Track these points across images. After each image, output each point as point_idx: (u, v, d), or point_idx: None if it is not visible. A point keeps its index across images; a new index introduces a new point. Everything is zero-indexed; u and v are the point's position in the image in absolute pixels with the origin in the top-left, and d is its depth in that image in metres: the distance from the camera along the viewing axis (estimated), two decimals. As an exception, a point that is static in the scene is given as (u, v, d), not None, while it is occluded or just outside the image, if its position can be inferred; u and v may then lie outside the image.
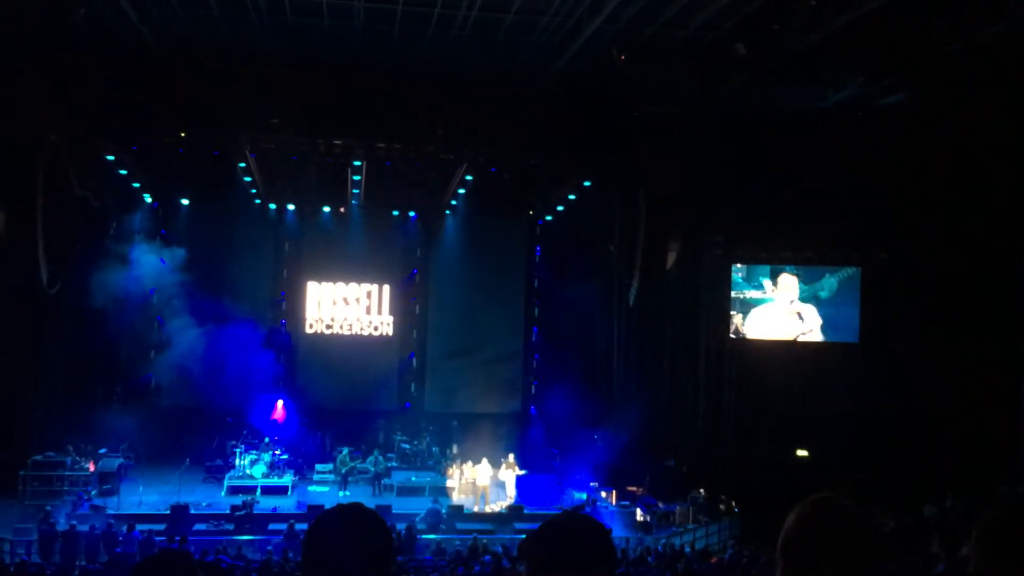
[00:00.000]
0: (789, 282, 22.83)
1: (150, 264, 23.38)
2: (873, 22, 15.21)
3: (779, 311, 22.83)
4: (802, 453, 22.25)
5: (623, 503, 21.18)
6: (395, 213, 26.35)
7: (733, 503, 20.64)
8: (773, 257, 23.05)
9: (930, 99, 17.72)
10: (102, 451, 21.02)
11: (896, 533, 16.41)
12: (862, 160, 19.80)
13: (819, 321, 22.66)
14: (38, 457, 19.42)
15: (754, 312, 22.87)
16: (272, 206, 25.42)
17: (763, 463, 20.14)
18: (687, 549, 17.37)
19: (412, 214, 26.50)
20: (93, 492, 19.63)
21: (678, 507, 20.92)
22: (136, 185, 23.39)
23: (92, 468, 20.21)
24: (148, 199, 24.52)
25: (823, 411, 21.06)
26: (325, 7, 17.09)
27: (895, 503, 17.89)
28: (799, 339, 22.72)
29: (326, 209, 25.76)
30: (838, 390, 21.13)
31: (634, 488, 21.85)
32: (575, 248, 24.91)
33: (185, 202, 25.02)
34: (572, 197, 24.19)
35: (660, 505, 21.13)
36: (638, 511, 20.77)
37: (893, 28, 15.64)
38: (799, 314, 22.65)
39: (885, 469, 19.22)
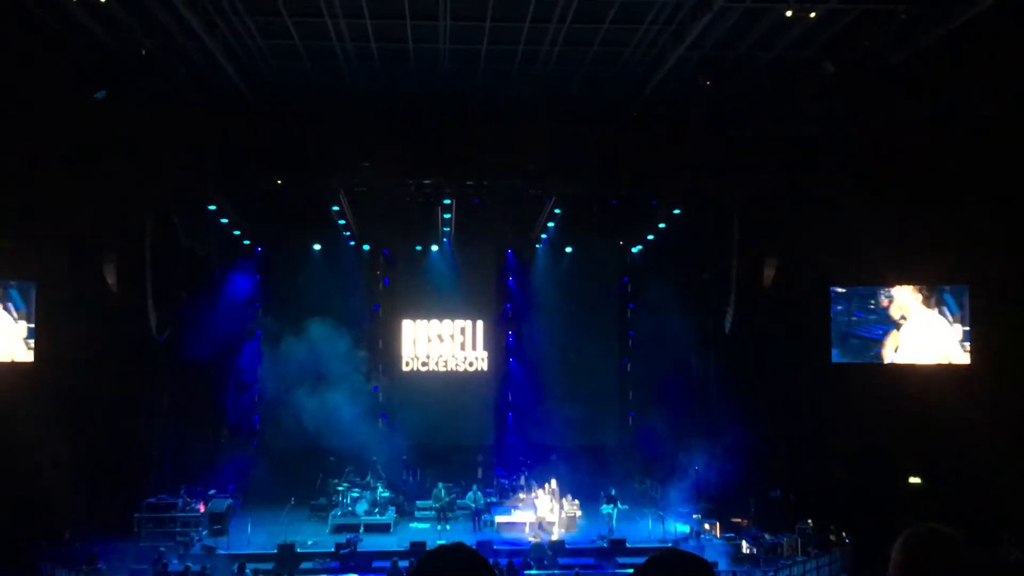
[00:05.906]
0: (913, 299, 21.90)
1: (251, 308, 24.02)
2: (967, 34, 14.76)
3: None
4: (915, 480, 21.34)
5: (728, 535, 20.67)
6: (486, 248, 26.58)
7: (844, 533, 19.91)
8: (875, 278, 22.29)
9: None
10: (211, 492, 21.64)
11: (1022, 563, 15.62)
12: (965, 174, 19.05)
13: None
14: (151, 500, 20.15)
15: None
16: (366, 247, 26.00)
17: (874, 491, 19.37)
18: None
19: (508, 250, 26.78)
20: (204, 532, 20.20)
21: (786, 538, 20.27)
22: (237, 232, 24.23)
23: (202, 509, 20.79)
24: (247, 245, 25.37)
25: (935, 436, 20.14)
26: (412, 52, 17.50)
27: (1019, 532, 17.00)
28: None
29: (418, 248, 26.19)
30: (949, 414, 20.19)
31: (739, 520, 21.31)
32: (667, 277, 24.60)
33: (282, 247, 25.77)
34: (663, 226, 23.98)
35: (767, 537, 20.50)
36: (744, 543, 20.22)
37: (989, 40, 15.12)
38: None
39: (1006, 497, 18.24)
